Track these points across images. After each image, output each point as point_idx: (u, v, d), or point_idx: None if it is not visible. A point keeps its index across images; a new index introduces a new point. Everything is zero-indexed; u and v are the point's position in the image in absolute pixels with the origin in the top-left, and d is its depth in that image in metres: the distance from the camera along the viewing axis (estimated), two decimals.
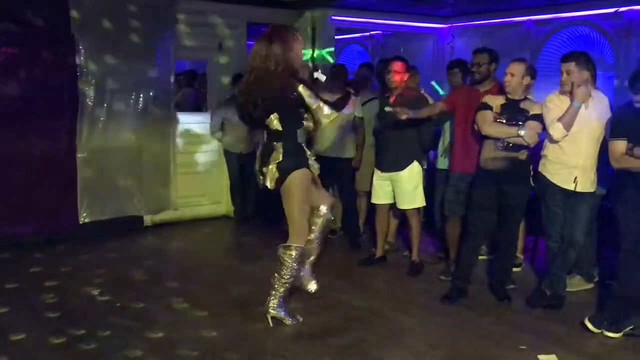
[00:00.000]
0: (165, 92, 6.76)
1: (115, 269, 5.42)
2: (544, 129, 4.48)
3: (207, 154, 7.46)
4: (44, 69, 6.06)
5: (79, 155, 6.30)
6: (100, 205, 6.48)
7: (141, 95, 6.56)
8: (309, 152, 4.21)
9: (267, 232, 6.61)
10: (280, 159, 4.03)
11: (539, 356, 3.80)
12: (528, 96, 4.68)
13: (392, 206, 5.61)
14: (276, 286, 4.15)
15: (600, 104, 4.46)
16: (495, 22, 8.37)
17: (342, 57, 10.79)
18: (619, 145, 4.04)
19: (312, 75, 4.09)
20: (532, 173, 4.67)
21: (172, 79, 6.86)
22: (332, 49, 7.84)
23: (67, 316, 4.31)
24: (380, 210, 5.62)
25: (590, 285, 5.06)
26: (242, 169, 7.15)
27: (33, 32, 5.94)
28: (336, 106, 4.07)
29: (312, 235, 4.34)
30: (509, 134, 4.47)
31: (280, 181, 4.05)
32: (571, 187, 4.49)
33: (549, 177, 4.59)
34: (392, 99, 5.34)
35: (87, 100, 6.23)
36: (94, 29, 6.17)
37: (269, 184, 4.07)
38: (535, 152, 4.69)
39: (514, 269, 5.20)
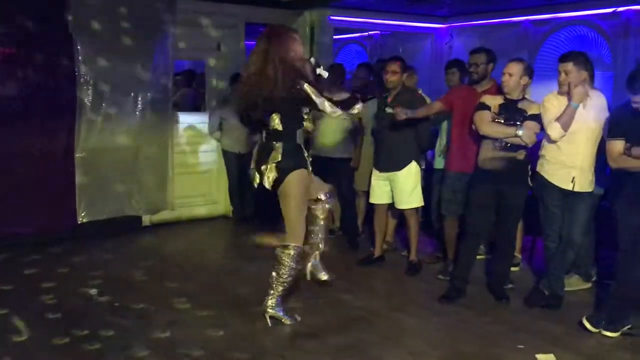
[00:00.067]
0: (163, 92, 6.75)
1: (114, 269, 5.42)
2: (542, 129, 4.49)
3: (206, 154, 7.47)
4: (42, 69, 6.05)
5: (77, 156, 6.29)
6: (99, 205, 6.47)
7: (139, 95, 6.56)
8: (306, 153, 4.22)
9: (265, 232, 6.60)
10: (280, 158, 4.02)
11: (537, 355, 3.81)
12: (526, 96, 4.68)
13: (391, 206, 5.61)
14: (274, 286, 4.15)
15: (598, 104, 4.46)
16: (493, 22, 8.38)
17: (340, 57, 10.79)
18: (617, 145, 4.05)
19: (314, 72, 4.08)
20: (530, 173, 4.68)
21: (170, 79, 6.86)
22: None
23: (68, 317, 4.31)
24: (379, 210, 5.62)
25: (588, 285, 5.07)
26: (240, 169, 7.15)
27: (31, 32, 5.93)
28: (343, 105, 4.07)
29: (318, 227, 4.34)
30: (507, 134, 4.47)
31: (278, 181, 4.05)
32: (569, 187, 4.49)
33: (547, 177, 4.59)
34: (389, 99, 5.35)
35: (85, 100, 6.23)
36: (92, 30, 6.16)
37: (267, 184, 4.06)
38: (533, 152, 4.70)
39: (512, 269, 5.21)
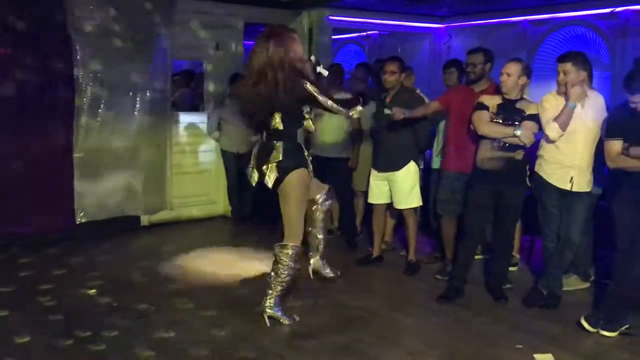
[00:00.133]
0: (162, 92, 6.74)
1: (114, 269, 5.41)
2: (540, 129, 4.49)
3: (204, 154, 7.47)
4: (41, 70, 6.04)
5: (75, 156, 6.29)
6: (97, 205, 6.47)
7: (138, 96, 6.55)
8: (306, 153, 4.23)
9: (264, 232, 6.61)
10: (280, 158, 4.03)
11: (535, 355, 3.81)
12: (524, 96, 4.69)
13: (389, 206, 5.61)
14: (273, 285, 4.16)
15: (597, 104, 4.47)
16: (491, 22, 8.39)
17: (339, 56, 10.80)
18: (615, 145, 4.06)
19: (314, 70, 4.09)
20: (528, 173, 4.68)
21: (168, 79, 6.86)
22: None
23: (69, 318, 4.29)
24: (377, 210, 5.62)
25: (587, 285, 5.07)
26: (239, 169, 7.15)
27: (29, 33, 5.93)
28: (344, 104, 4.09)
29: (317, 228, 4.37)
30: (505, 134, 4.48)
31: (278, 180, 4.06)
32: (567, 187, 4.50)
33: (545, 177, 4.60)
34: (388, 99, 5.35)
35: (84, 100, 6.22)
36: (91, 29, 6.16)
37: (269, 184, 4.07)
38: (532, 152, 4.70)
39: (511, 269, 5.22)
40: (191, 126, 7.35)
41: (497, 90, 4.81)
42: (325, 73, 4.16)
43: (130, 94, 6.51)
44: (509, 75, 4.52)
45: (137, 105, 6.57)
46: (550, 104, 4.47)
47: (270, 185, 4.06)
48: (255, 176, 4.14)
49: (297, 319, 4.27)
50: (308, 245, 4.41)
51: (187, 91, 8.13)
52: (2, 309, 4.40)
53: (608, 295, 4.20)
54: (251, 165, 4.21)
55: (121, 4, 6.32)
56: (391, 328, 4.28)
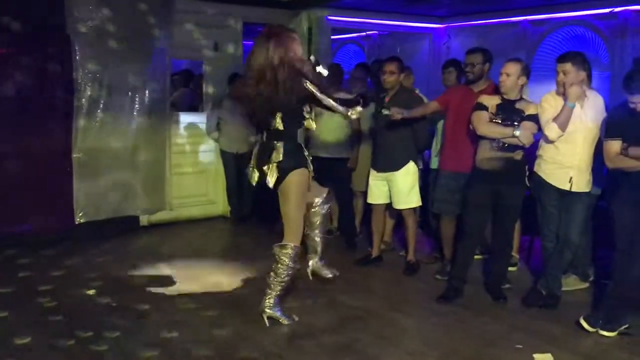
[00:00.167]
0: (160, 92, 6.74)
1: (113, 270, 5.40)
2: (540, 129, 4.50)
3: (203, 154, 7.47)
4: (40, 69, 6.05)
5: (74, 156, 6.28)
6: (96, 205, 6.46)
7: (137, 95, 6.55)
8: (307, 152, 4.24)
9: (263, 232, 6.61)
10: (281, 158, 4.04)
11: (535, 355, 3.81)
12: (523, 96, 4.69)
13: (388, 206, 5.61)
14: (272, 285, 4.16)
15: (596, 104, 4.48)
16: (491, 22, 8.38)
17: (338, 57, 10.80)
18: (614, 145, 4.06)
19: (314, 70, 4.09)
20: (527, 173, 4.68)
21: (167, 79, 6.86)
22: None
23: (70, 318, 4.27)
24: (376, 211, 5.62)
25: (586, 285, 5.07)
26: (238, 169, 7.15)
27: (28, 32, 5.93)
28: (345, 103, 4.10)
29: (315, 231, 4.37)
30: (504, 134, 4.48)
31: (279, 180, 4.07)
32: (566, 187, 4.50)
33: (544, 177, 4.60)
34: (387, 99, 5.35)
35: (83, 100, 6.21)
36: (90, 30, 6.15)
37: (270, 184, 4.08)
38: (531, 152, 4.71)
39: (510, 269, 5.22)
40: (190, 126, 7.35)
41: (496, 90, 4.81)
42: (325, 72, 4.16)
43: (129, 94, 6.50)
44: (508, 75, 4.52)
45: (136, 106, 6.56)
46: (549, 104, 4.47)
47: (271, 185, 4.07)
48: (255, 176, 4.15)
49: (297, 319, 4.27)
50: (307, 247, 4.42)
51: (186, 91, 8.13)
52: (1, 310, 4.39)
53: (607, 295, 4.20)
54: (251, 166, 4.21)
55: (120, 4, 6.31)
56: (390, 328, 4.27)
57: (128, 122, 6.54)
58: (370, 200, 5.63)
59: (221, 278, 5.29)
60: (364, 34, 10.32)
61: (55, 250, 5.92)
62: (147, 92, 6.60)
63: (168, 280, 5.17)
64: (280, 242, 4.15)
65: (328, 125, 5.96)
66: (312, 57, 4.16)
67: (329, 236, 6.44)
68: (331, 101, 3.97)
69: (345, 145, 6.16)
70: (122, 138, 6.53)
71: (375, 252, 5.72)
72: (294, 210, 4.12)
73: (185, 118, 7.31)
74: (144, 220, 6.97)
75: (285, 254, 4.10)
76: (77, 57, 6.12)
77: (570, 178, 4.48)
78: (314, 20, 7.67)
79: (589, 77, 4.64)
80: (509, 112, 4.52)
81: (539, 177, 4.63)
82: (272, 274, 4.16)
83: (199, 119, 7.36)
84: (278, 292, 4.19)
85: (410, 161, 5.36)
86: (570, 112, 4.35)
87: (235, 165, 7.15)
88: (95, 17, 6.18)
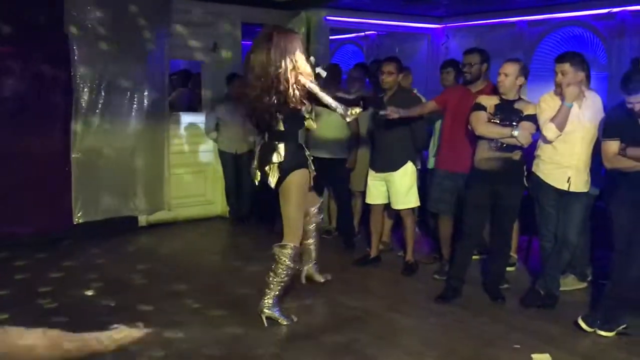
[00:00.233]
0: (159, 92, 6.74)
1: (113, 270, 5.40)
2: (538, 129, 4.50)
3: (202, 154, 7.47)
4: (38, 69, 6.04)
5: (73, 156, 6.28)
6: (95, 205, 6.46)
7: (135, 95, 6.55)
8: (307, 152, 4.25)
9: (262, 232, 6.61)
10: (282, 159, 4.06)
11: (533, 355, 3.82)
12: (521, 96, 4.69)
13: (387, 206, 5.62)
14: (272, 285, 4.16)
15: (594, 104, 4.48)
16: (489, 22, 8.38)
17: (337, 57, 10.79)
18: (612, 146, 4.07)
19: (313, 70, 4.10)
20: (525, 173, 4.69)
21: (166, 79, 6.85)
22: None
23: (74, 320, 4.20)
24: (375, 211, 5.63)
25: (584, 285, 5.08)
26: (237, 169, 7.16)
27: (27, 31, 5.92)
28: (345, 103, 4.11)
29: (310, 240, 4.48)
30: (503, 134, 4.48)
31: (280, 180, 4.09)
32: (565, 187, 4.51)
33: (542, 177, 4.61)
34: (385, 99, 5.35)
35: (81, 100, 6.21)
36: (88, 29, 6.15)
37: (272, 184, 4.09)
38: (529, 153, 4.71)
39: (508, 269, 5.22)
40: (189, 126, 7.35)
41: (494, 90, 4.82)
42: (324, 74, 4.18)
43: (128, 94, 6.51)
44: (506, 75, 4.53)
45: (135, 106, 6.57)
46: (547, 105, 4.47)
47: (272, 185, 4.11)
48: (258, 177, 4.18)
49: (295, 319, 4.27)
50: (301, 254, 4.46)
51: (185, 91, 8.13)
52: (2, 312, 4.34)
53: (605, 295, 4.21)
54: (254, 166, 4.24)
55: (118, 4, 6.31)
56: (389, 328, 4.28)
57: (126, 122, 6.55)
58: (368, 200, 5.63)
59: (219, 278, 5.29)
60: (363, 34, 10.31)
61: (54, 251, 5.91)
62: (145, 92, 6.60)
63: (167, 281, 5.16)
64: (280, 242, 4.16)
65: (327, 126, 5.97)
66: (312, 59, 4.17)
67: (328, 236, 6.48)
68: (331, 99, 3.99)
69: (344, 145, 6.17)
70: (120, 138, 6.53)
71: (373, 253, 5.72)
72: (294, 210, 4.14)
73: (183, 118, 7.31)
74: (142, 220, 6.96)
75: (285, 254, 4.11)
76: (76, 57, 6.12)
77: (569, 178, 4.49)
78: (312, 20, 7.66)
79: (588, 77, 4.65)
80: (508, 113, 4.53)
81: (537, 177, 4.63)
82: (271, 273, 4.16)
83: (197, 119, 7.36)
84: (277, 292, 4.20)
85: (409, 161, 5.37)
86: (568, 112, 4.36)
87: (233, 166, 7.15)
88: (93, 18, 6.17)
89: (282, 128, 4.07)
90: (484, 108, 4.59)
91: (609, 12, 7.10)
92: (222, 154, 7.23)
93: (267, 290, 4.18)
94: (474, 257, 5.25)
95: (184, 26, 6.97)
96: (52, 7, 6.00)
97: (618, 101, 4.16)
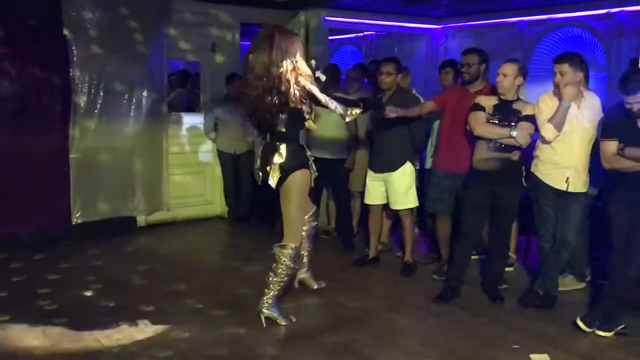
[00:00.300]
0: (158, 92, 6.74)
1: (113, 271, 5.39)
2: (537, 129, 4.51)
3: (201, 154, 7.47)
4: (37, 69, 6.04)
5: (71, 156, 6.28)
6: (93, 206, 6.46)
7: (134, 96, 6.55)
8: (309, 153, 4.27)
9: (261, 232, 6.62)
10: (283, 159, 4.08)
11: (532, 355, 3.82)
12: (520, 96, 4.70)
13: (385, 206, 5.62)
14: (271, 285, 4.17)
15: (593, 104, 4.49)
16: (488, 22, 8.39)
17: (335, 57, 10.79)
18: (610, 146, 4.07)
19: (313, 74, 4.11)
20: (524, 173, 4.70)
21: (164, 79, 6.85)
22: None
23: (76, 321, 4.21)
24: (373, 211, 5.63)
25: (583, 285, 5.09)
26: (236, 170, 7.16)
27: (25, 33, 5.92)
28: (344, 103, 4.13)
29: (303, 244, 4.54)
30: (502, 134, 4.49)
31: (281, 180, 4.11)
32: (563, 187, 4.51)
33: (541, 177, 4.61)
34: (384, 100, 5.36)
35: (80, 101, 6.21)
36: (87, 30, 6.15)
37: (273, 184, 4.10)
38: (528, 153, 4.72)
39: (507, 269, 5.21)
40: (188, 127, 7.34)
41: (493, 90, 4.83)
42: (324, 78, 4.20)
43: (127, 94, 6.51)
44: (505, 75, 4.53)
45: (134, 106, 6.57)
46: (546, 105, 4.48)
47: (273, 185, 4.13)
48: (261, 177, 4.20)
49: (294, 319, 4.27)
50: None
51: (184, 91, 8.13)
52: (2, 314, 4.32)
53: (604, 295, 4.21)
54: (257, 167, 4.26)
55: (117, 5, 6.31)
56: (388, 328, 4.28)
57: (125, 122, 6.55)
58: (367, 200, 5.63)
59: (218, 278, 5.30)
60: (362, 34, 10.31)
61: (53, 251, 5.90)
62: (144, 92, 6.60)
63: (166, 281, 5.16)
64: (280, 242, 4.16)
65: (326, 126, 5.97)
66: (312, 62, 4.18)
67: (327, 237, 6.49)
68: (330, 100, 4.00)
69: (343, 145, 6.17)
70: (119, 138, 6.53)
71: (372, 253, 5.72)
72: (295, 211, 4.15)
73: (182, 118, 7.31)
74: (141, 220, 6.96)
75: (285, 254, 4.12)
76: (74, 58, 6.12)
77: (567, 178, 4.49)
78: (311, 20, 7.66)
79: (586, 77, 4.65)
80: (506, 113, 4.53)
81: (536, 177, 4.64)
82: (271, 273, 4.17)
83: (196, 119, 7.35)
84: (277, 292, 4.20)
85: (407, 162, 5.37)
86: (566, 112, 4.36)
87: (232, 166, 7.15)
88: (91, 19, 6.17)
89: (283, 129, 4.08)
90: (482, 108, 4.60)
91: (607, 13, 7.11)
92: (220, 154, 7.23)
93: (266, 290, 4.19)
94: (472, 257, 5.26)
95: (182, 27, 6.97)
96: (51, 9, 6.00)
97: (617, 101, 4.16)
